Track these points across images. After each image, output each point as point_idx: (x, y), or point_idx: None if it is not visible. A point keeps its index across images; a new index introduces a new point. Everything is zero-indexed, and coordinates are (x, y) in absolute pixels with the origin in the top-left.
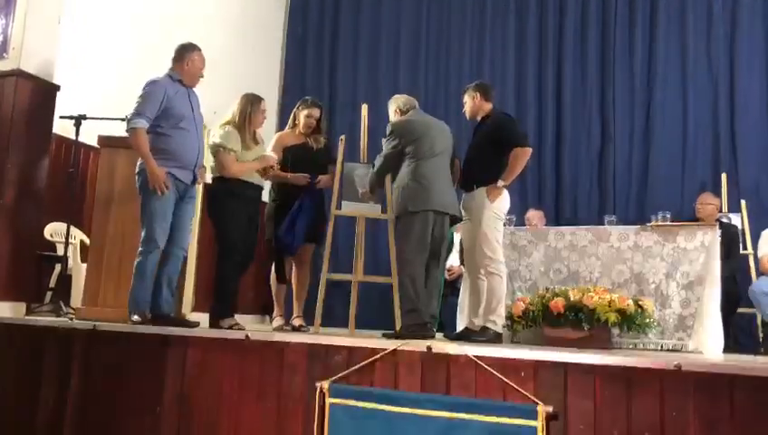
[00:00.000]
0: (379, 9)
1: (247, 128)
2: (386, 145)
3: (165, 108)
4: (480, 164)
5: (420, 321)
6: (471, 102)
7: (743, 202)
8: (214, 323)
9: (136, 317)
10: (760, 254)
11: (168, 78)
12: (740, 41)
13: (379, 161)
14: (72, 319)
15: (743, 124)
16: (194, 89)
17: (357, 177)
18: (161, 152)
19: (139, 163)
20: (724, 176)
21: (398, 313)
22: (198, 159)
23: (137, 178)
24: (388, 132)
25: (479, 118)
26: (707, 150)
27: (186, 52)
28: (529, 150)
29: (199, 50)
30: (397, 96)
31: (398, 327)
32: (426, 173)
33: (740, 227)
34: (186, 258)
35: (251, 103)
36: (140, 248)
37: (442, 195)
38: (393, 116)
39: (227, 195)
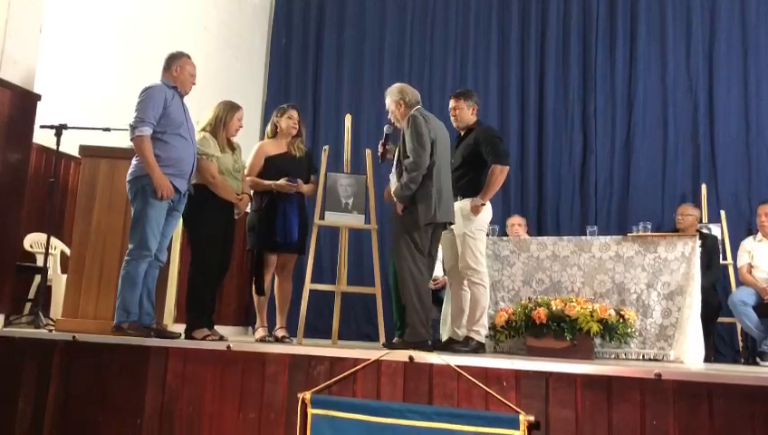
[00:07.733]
0: (363, 20)
1: (222, 134)
2: (417, 149)
3: (164, 113)
4: (464, 176)
5: (421, 339)
6: (468, 111)
7: (722, 213)
8: (188, 335)
9: (128, 327)
10: (739, 264)
11: (163, 85)
12: (718, 54)
13: (414, 167)
14: (51, 330)
15: (722, 136)
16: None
17: (340, 187)
18: (160, 159)
19: (132, 170)
20: (703, 187)
21: (381, 322)
22: (193, 168)
23: (129, 184)
24: (414, 133)
25: (462, 130)
26: (687, 162)
27: (173, 60)
28: (507, 169)
29: (188, 57)
30: (404, 86)
31: (382, 338)
32: (439, 182)
33: (720, 237)
34: (161, 269)
35: (228, 110)
36: (130, 256)
37: (450, 205)
38: (395, 107)
39: (204, 202)
